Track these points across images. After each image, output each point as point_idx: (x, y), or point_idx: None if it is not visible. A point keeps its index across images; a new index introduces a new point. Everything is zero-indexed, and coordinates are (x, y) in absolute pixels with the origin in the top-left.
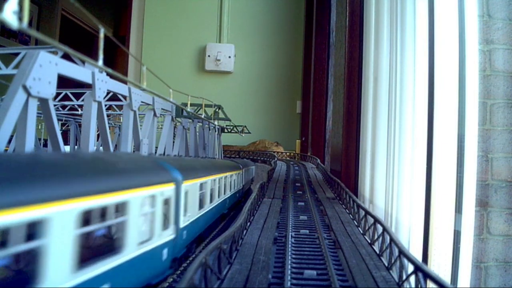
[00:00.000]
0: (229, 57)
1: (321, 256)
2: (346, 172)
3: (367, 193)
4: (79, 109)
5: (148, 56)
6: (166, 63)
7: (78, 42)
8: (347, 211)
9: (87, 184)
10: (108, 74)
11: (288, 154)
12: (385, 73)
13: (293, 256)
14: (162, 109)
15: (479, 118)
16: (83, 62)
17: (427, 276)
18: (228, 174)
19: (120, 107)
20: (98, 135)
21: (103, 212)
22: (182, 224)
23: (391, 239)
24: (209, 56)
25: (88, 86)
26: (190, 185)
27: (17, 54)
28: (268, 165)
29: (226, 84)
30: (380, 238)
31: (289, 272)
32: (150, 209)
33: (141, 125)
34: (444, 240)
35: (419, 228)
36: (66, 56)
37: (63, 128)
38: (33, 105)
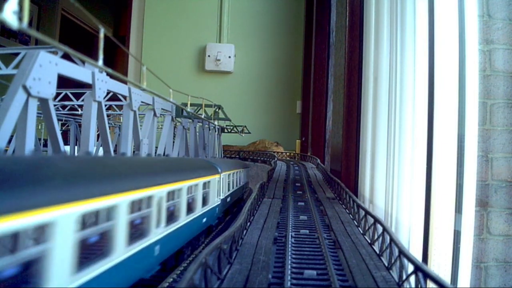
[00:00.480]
0: (229, 57)
1: (321, 256)
2: (346, 172)
3: (367, 193)
4: (79, 109)
5: (148, 56)
6: (166, 63)
7: (78, 42)
8: (347, 211)
9: None
10: (108, 74)
11: (288, 154)
12: (385, 73)
13: (293, 256)
14: (162, 109)
15: (479, 118)
16: (83, 62)
17: (427, 276)
18: (162, 189)
19: (120, 107)
20: (98, 135)
21: None
22: None
23: (391, 239)
24: (209, 56)
25: (88, 86)
26: None
27: (17, 54)
28: (268, 165)
29: (226, 84)
30: (380, 238)
31: (289, 272)
32: None
33: (141, 125)
34: (444, 240)
35: (419, 228)
36: (66, 56)
37: (63, 128)
38: (33, 105)
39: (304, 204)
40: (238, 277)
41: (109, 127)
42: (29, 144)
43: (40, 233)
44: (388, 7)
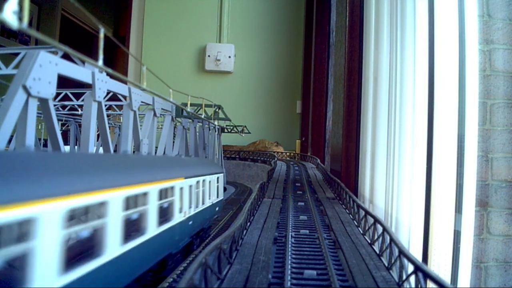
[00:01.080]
0: (229, 57)
1: (321, 256)
2: (346, 172)
3: (367, 193)
4: (79, 109)
5: (148, 56)
6: (166, 63)
7: (78, 42)
8: (347, 211)
9: None
10: (108, 74)
11: (288, 154)
12: (385, 73)
13: (293, 256)
14: (162, 109)
15: (479, 118)
16: (83, 62)
17: (427, 276)
18: None
19: (120, 107)
20: (98, 135)
21: None
22: None
23: (391, 239)
24: (209, 56)
25: (88, 86)
26: None
27: (17, 54)
28: (268, 165)
29: (226, 84)
30: (380, 238)
31: (289, 272)
32: None
33: (141, 125)
34: (444, 240)
35: (419, 228)
36: (66, 56)
37: (63, 128)
38: (33, 105)
39: (304, 204)
40: (238, 277)
41: (109, 127)
42: (29, 144)
43: None
44: (388, 7)
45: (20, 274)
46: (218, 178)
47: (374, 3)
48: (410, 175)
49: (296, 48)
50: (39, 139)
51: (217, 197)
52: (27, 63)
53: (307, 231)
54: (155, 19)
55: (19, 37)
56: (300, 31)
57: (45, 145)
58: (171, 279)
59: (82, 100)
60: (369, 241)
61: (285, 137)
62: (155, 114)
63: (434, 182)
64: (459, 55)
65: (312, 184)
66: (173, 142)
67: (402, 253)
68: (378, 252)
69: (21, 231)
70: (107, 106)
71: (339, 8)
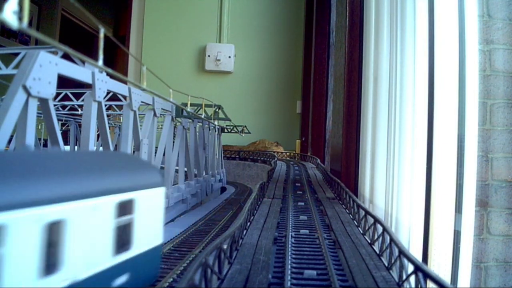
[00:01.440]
0: (229, 57)
1: (321, 256)
2: (346, 172)
3: (367, 193)
4: (79, 109)
5: (148, 56)
6: (166, 63)
7: (78, 42)
8: (347, 211)
9: None
10: (108, 74)
11: (288, 154)
12: (385, 73)
13: (293, 256)
14: (162, 109)
15: (479, 118)
16: (83, 62)
17: (427, 276)
18: None
19: (120, 107)
20: (98, 135)
21: None
22: None
23: (391, 239)
24: (209, 56)
25: (88, 86)
26: None
27: (17, 54)
28: (268, 165)
29: (226, 84)
30: (380, 238)
31: (289, 272)
32: None
33: (141, 125)
34: (444, 240)
35: (419, 228)
36: (66, 56)
37: (63, 128)
38: (33, 105)
39: (304, 204)
40: (238, 277)
41: (109, 127)
42: (29, 144)
43: None
44: (388, 7)
45: None
46: (134, 201)
47: (374, 3)
48: (410, 175)
49: (296, 48)
50: (39, 139)
51: (128, 249)
52: (27, 63)
53: (307, 231)
54: (155, 19)
55: (19, 37)
56: (300, 31)
57: (45, 145)
58: (171, 279)
59: (82, 100)
60: (369, 241)
61: (285, 137)
62: (155, 114)
63: (434, 182)
64: (459, 55)
65: (312, 184)
66: (173, 142)
67: (402, 253)
68: (378, 252)
69: None
70: (107, 106)
71: (339, 8)
